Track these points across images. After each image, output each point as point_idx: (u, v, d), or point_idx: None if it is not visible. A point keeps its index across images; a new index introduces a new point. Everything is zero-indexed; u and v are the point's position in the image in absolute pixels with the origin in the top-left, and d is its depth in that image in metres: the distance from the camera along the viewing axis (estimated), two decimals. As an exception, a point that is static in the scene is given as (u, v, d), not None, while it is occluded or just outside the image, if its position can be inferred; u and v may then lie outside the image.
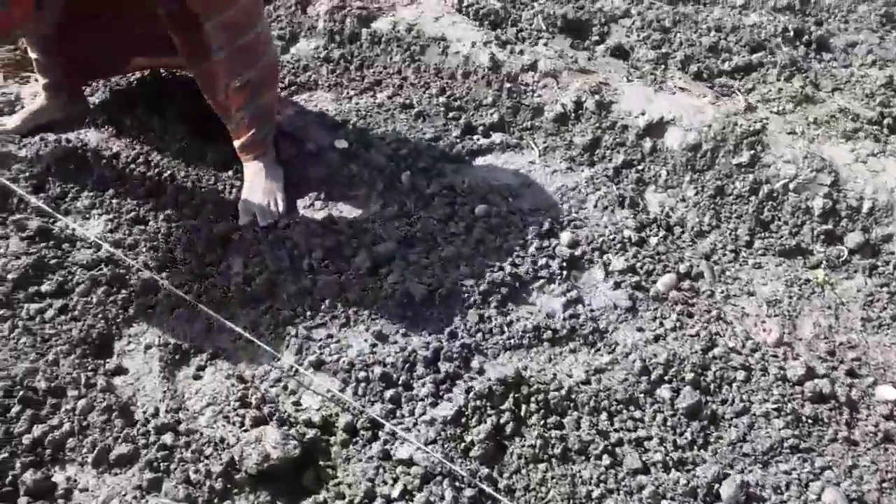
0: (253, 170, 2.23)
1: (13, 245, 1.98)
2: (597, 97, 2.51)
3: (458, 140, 2.49)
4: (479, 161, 2.44)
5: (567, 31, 3.19)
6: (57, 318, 1.82)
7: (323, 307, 1.91)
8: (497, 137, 2.52)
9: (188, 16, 1.92)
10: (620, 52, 3.08)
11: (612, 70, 2.79)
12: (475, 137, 2.52)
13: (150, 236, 2.08)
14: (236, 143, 2.24)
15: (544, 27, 3.16)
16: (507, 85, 2.60)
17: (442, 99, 2.62)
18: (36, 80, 2.67)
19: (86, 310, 1.84)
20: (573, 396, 1.67)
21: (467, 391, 1.65)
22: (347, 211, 2.23)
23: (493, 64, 2.63)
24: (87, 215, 2.16)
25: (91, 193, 2.21)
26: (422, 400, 1.66)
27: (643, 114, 2.43)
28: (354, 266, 2.00)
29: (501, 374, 1.67)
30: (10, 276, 1.88)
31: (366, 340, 1.83)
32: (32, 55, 2.40)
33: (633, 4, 3.39)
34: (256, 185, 2.20)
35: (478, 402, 1.63)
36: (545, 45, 2.93)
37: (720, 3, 3.48)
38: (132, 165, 2.30)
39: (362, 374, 1.72)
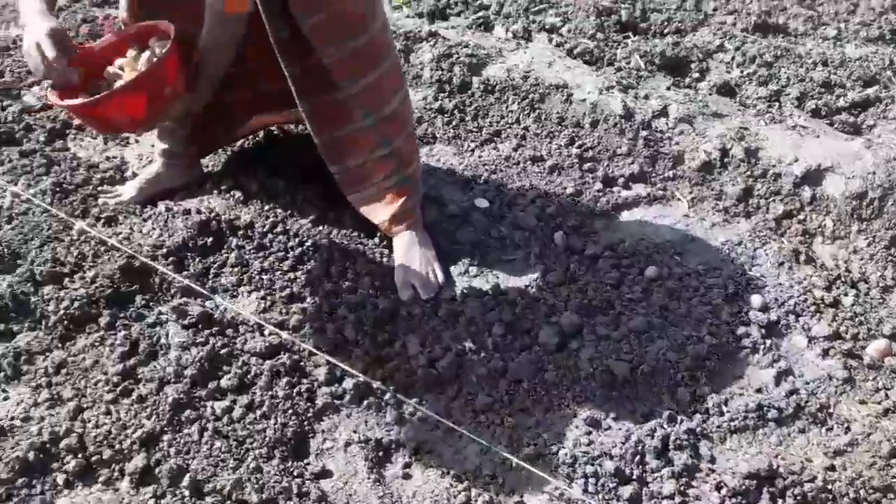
0: (405, 241, 2.09)
1: (177, 335, 1.82)
2: (743, 143, 2.40)
3: (600, 194, 2.37)
4: (626, 215, 2.33)
5: (665, 68, 3.09)
6: (245, 416, 1.67)
7: (520, 390, 1.77)
8: (639, 189, 2.41)
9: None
10: (726, 90, 2.99)
11: (724, 107, 2.67)
12: (615, 190, 2.40)
13: (312, 315, 1.93)
14: (382, 215, 2.09)
15: (643, 65, 3.06)
16: (643, 133, 2.49)
17: (574, 150, 2.50)
18: (137, 141, 2.52)
19: (273, 405, 1.69)
20: (829, 487, 1.54)
21: (717, 487, 1.52)
22: (505, 278, 2.10)
23: (626, 112, 2.52)
24: (235, 293, 2.02)
25: (235, 269, 2.06)
26: (667, 499, 1.53)
27: (796, 160, 2.33)
28: (542, 342, 1.87)
29: (752, 467, 1.54)
30: (186, 372, 1.72)
31: (577, 427, 1.70)
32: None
33: (726, 39, 3.30)
34: (412, 257, 2.06)
35: (733, 501, 1.50)
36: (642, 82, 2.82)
37: (811, 34, 3.41)
38: (270, 235, 2.15)
39: (590, 469, 1.58)
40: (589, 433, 1.67)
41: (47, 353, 1.80)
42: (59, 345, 1.83)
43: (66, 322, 1.87)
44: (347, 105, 1.95)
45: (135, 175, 2.40)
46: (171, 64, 1.66)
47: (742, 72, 3.04)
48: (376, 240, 2.17)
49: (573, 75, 2.73)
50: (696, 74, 3.06)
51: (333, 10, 1.81)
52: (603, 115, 2.55)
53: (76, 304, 1.89)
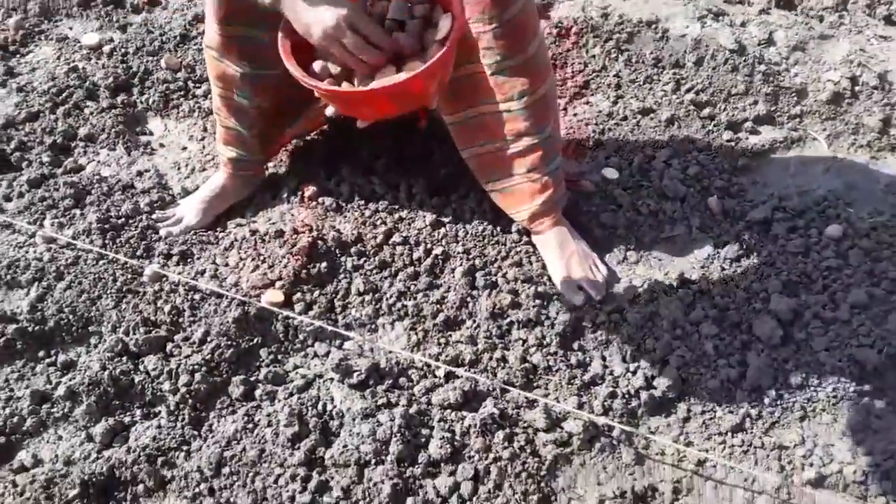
0: (555, 237, 1.76)
1: (349, 398, 1.46)
2: (870, 67, 2.16)
3: (731, 143, 2.09)
4: (768, 165, 2.06)
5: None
6: (476, 492, 1.34)
7: (764, 399, 1.51)
8: (769, 133, 2.14)
9: None
10: (785, 2, 2.72)
11: (825, 28, 2.42)
12: (743, 136, 2.13)
13: (482, 341, 1.60)
14: (525, 209, 1.76)
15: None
16: (760, 67, 2.21)
17: (686, 95, 2.20)
18: (163, 146, 2.06)
19: (502, 472, 1.37)
20: None
21: None
22: (669, 259, 1.82)
23: (738, 45, 2.22)
24: (375, 326, 1.66)
25: (365, 297, 1.69)
26: None
27: (932, 79, 2.11)
28: (761, 335, 1.60)
29: None
30: (391, 449, 1.37)
31: (845, 436, 1.46)
32: (227, 124, 1.80)
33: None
34: (567, 254, 1.74)
35: None
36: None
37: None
38: (388, 248, 1.78)
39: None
40: (860, 441, 1.44)
41: (185, 448, 1.41)
42: (196, 432, 1.43)
43: (191, 402, 1.46)
44: (497, 81, 1.58)
45: (185, 192, 1.95)
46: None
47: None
48: (514, 235, 1.82)
49: (656, 5, 2.39)
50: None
51: None
52: (709, 51, 2.25)
53: (197, 376, 1.49)
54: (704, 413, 1.50)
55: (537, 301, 1.67)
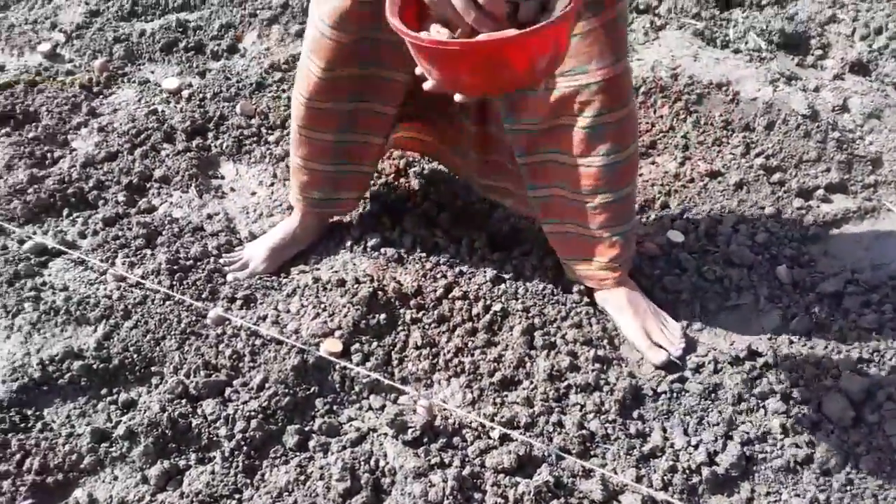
0: (625, 297, 1.73)
1: (402, 456, 1.44)
2: (952, 139, 2.09)
3: (802, 211, 2.04)
4: (840, 236, 2.00)
5: (784, 47, 2.77)
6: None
7: (835, 484, 1.44)
8: (841, 201, 2.09)
9: None
10: (859, 67, 2.67)
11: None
12: (814, 204, 2.07)
13: (538, 404, 1.57)
14: (593, 266, 1.73)
15: (763, 45, 2.73)
16: (833, 134, 2.16)
17: (755, 159, 2.16)
18: (233, 189, 2.10)
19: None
20: None
21: None
22: (735, 328, 1.77)
23: (811, 111, 2.18)
24: (430, 381, 1.64)
25: (422, 351, 1.68)
26: None
27: None
28: (831, 415, 1.54)
29: None
30: None
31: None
32: (312, 166, 1.81)
33: (836, 7, 2.98)
34: (641, 313, 1.71)
35: None
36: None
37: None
38: (447, 302, 1.78)
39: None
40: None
41: (237, 497, 1.41)
42: (249, 481, 1.44)
43: (245, 449, 1.47)
44: (587, 135, 1.56)
45: (252, 236, 1.99)
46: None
47: (871, 45, 2.72)
48: (575, 296, 1.80)
49: (727, 68, 2.37)
50: (819, 51, 2.73)
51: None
52: (781, 115, 2.21)
53: (253, 423, 1.50)
54: (769, 495, 1.44)
55: (596, 365, 1.64)
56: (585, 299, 1.79)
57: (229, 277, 1.84)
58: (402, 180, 2.14)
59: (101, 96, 2.52)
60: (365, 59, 1.58)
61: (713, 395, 1.58)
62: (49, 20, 2.89)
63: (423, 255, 1.90)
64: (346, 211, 1.96)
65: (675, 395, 1.59)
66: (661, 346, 1.65)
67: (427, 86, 1.14)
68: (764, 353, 1.66)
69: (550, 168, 1.64)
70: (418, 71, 1.15)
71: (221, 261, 1.89)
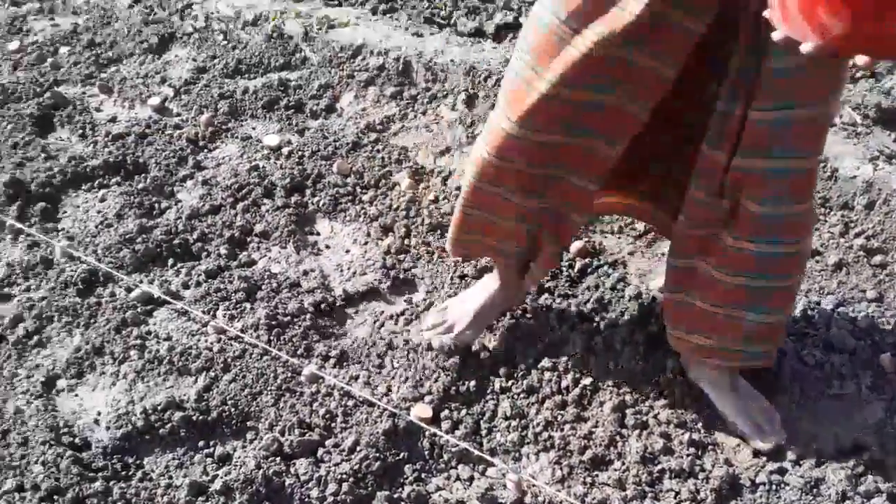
0: (722, 378, 1.69)
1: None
2: None
3: (907, 296, 1.97)
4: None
5: (882, 122, 2.70)
6: None
7: None
8: (946, 287, 2.00)
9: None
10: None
11: None
12: (917, 288, 2.00)
13: (631, 488, 1.54)
14: (701, 338, 1.68)
15: (858, 119, 2.67)
16: (939, 217, 2.09)
17: (855, 240, 2.11)
18: (328, 247, 2.14)
19: None
20: None
21: None
22: (837, 418, 1.70)
23: (913, 191, 2.12)
24: (519, 454, 1.63)
25: (511, 422, 1.68)
26: None
27: None
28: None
29: None
30: None
31: None
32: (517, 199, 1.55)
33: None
34: (738, 396, 1.67)
35: None
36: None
37: None
38: (536, 372, 1.77)
39: None
40: None
41: (327, 562, 1.42)
42: (338, 546, 1.45)
43: (336, 513, 1.49)
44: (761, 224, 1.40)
45: (346, 293, 2.03)
46: None
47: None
48: (668, 373, 1.77)
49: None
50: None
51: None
52: (881, 194, 2.16)
53: (344, 486, 1.51)
54: None
55: (691, 449, 1.61)
56: (679, 378, 1.76)
57: (435, 344, 1.78)
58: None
59: (205, 150, 2.64)
60: (578, 123, 1.36)
61: (815, 490, 1.53)
62: (159, 75, 3.06)
63: (512, 321, 1.91)
64: (549, 267, 1.79)
65: (774, 487, 1.54)
66: (759, 433, 1.60)
67: (806, 48, 0.88)
68: (869, 448, 1.59)
69: (702, 238, 1.49)
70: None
71: (423, 326, 1.85)
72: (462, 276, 2.06)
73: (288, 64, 3.04)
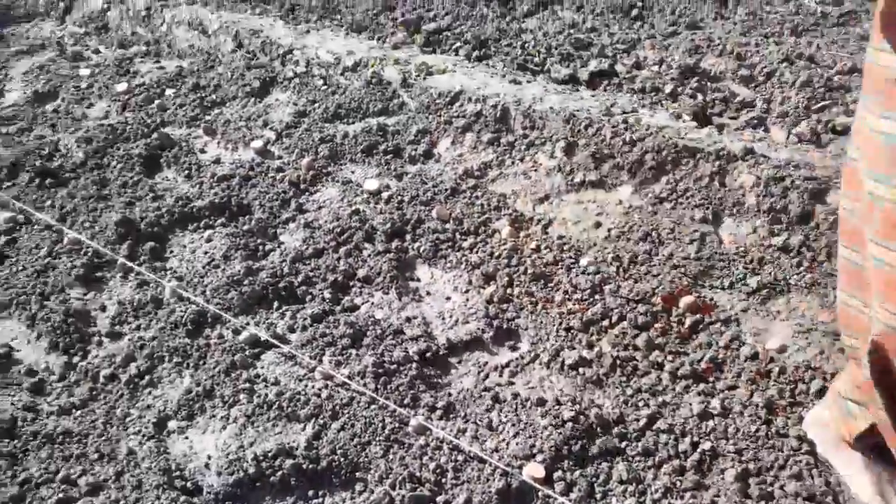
0: (854, 451, 1.60)
1: None
2: None
3: None
4: None
5: None
6: None
7: None
8: None
9: None
10: None
11: None
12: None
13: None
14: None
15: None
16: None
17: None
18: (429, 293, 2.11)
19: None
20: None
21: None
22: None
23: None
24: (638, 523, 1.56)
25: (627, 486, 1.61)
26: None
27: None
28: None
29: None
30: None
31: None
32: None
33: None
34: (872, 471, 1.57)
35: None
36: None
37: None
38: (650, 433, 1.70)
39: None
40: None
41: None
42: None
43: (449, 574, 1.44)
44: None
45: (449, 342, 2.00)
46: None
47: None
48: (792, 441, 1.68)
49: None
50: None
51: None
52: None
53: (457, 546, 1.47)
54: None
55: (821, 524, 1.51)
56: (805, 446, 1.67)
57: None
58: (596, 296, 2.12)
59: (307, 193, 2.69)
60: None
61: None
62: (261, 118, 3.14)
63: (623, 378, 1.85)
64: None
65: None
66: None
67: None
68: None
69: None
70: None
71: None
72: (568, 329, 2.02)
73: (386, 109, 3.08)
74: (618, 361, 1.89)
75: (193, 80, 3.45)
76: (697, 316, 2.02)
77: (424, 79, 3.10)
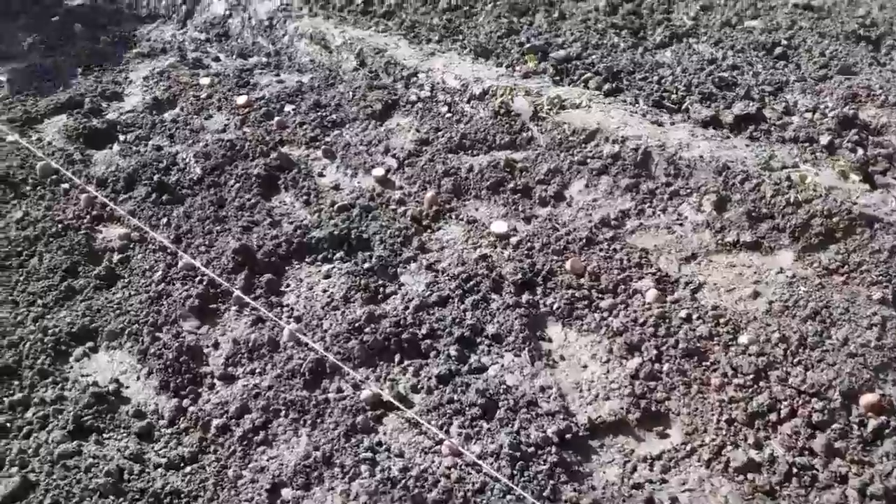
0: None
1: None
2: None
3: None
4: None
5: None
6: None
7: None
8: None
9: None
10: None
11: None
12: None
13: None
14: None
15: None
16: None
17: None
18: (564, 358, 1.89)
19: None
20: None
21: None
22: None
23: None
24: None
25: None
26: None
27: None
28: None
29: None
30: None
31: None
32: None
33: None
34: None
35: None
36: None
37: None
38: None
39: None
40: None
41: None
42: None
43: None
44: None
45: (590, 422, 1.78)
46: None
47: None
48: None
49: None
50: None
51: None
52: None
53: None
54: None
55: None
56: None
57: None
58: (761, 383, 1.85)
59: (429, 230, 2.52)
60: None
61: None
62: (382, 143, 3.00)
63: (801, 490, 1.59)
64: None
65: None
66: None
67: None
68: None
69: None
70: None
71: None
72: (730, 421, 1.77)
73: (513, 143, 2.89)
74: (793, 469, 1.62)
75: (314, 97, 3.34)
76: (882, 418, 1.74)
77: (557, 113, 2.89)
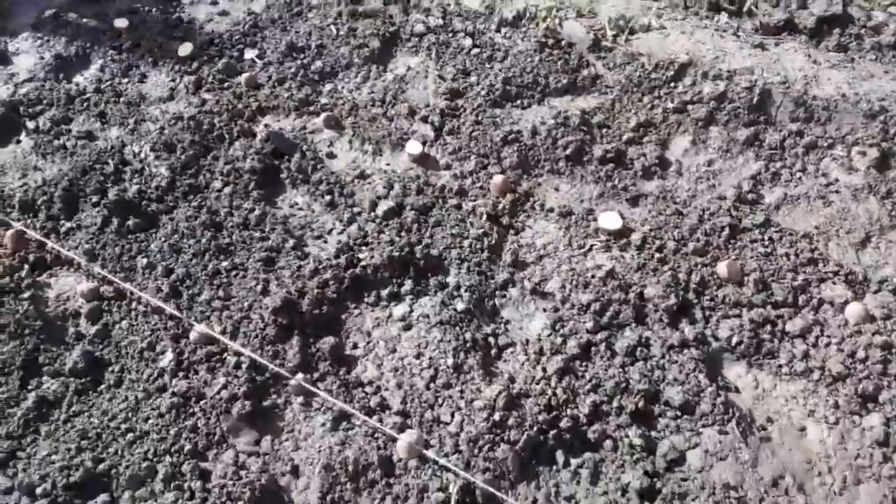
0: None
1: None
2: None
3: None
4: None
5: None
6: None
7: None
8: None
9: None
10: None
11: None
12: None
13: None
14: None
15: None
16: None
17: None
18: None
19: None
20: None
21: None
22: None
23: None
24: None
25: None
26: None
27: None
28: None
29: None
30: None
31: None
32: None
33: None
34: None
35: None
36: None
37: None
38: None
39: None
40: None
41: None
42: None
43: None
44: None
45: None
46: None
47: None
48: None
49: None
50: None
51: None
52: None
53: None
54: None
55: None
56: None
57: None
58: None
59: (511, 231, 1.92)
60: None
61: None
62: (399, 99, 2.28)
63: None
64: None
65: None
66: None
67: None
68: None
69: None
70: None
71: None
72: None
73: (574, 85, 2.26)
74: None
75: (279, 34, 2.52)
76: None
77: (627, 40, 2.23)
